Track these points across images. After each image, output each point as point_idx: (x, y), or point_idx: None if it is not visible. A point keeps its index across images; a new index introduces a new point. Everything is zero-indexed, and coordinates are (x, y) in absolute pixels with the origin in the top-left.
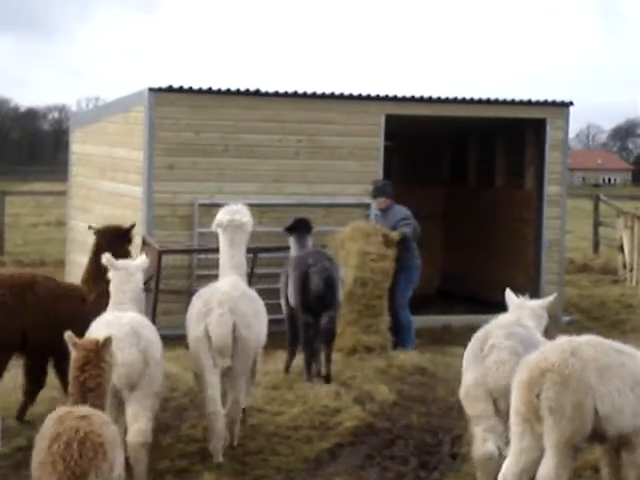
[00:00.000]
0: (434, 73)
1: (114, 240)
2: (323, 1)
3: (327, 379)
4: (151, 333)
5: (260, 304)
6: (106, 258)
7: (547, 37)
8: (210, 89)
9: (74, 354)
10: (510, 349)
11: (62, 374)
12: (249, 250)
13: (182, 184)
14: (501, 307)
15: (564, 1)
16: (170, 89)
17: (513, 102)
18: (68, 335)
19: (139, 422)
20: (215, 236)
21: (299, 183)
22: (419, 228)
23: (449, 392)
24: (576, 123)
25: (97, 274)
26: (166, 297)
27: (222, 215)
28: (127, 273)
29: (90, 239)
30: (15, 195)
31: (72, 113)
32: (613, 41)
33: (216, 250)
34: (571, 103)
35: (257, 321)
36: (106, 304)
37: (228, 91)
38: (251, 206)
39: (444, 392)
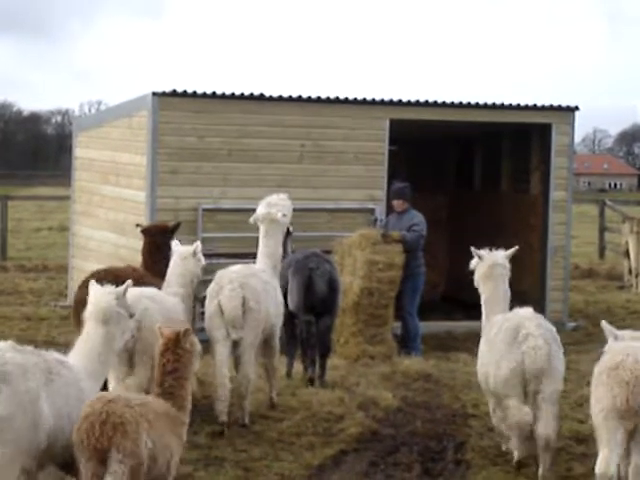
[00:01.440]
0: (439, 78)
1: (160, 237)
2: (328, 6)
3: (321, 382)
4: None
5: (272, 286)
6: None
7: (553, 41)
8: (214, 93)
9: (159, 342)
10: (543, 336)
11: None
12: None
13: (186, 189)
14: None
15: (570, 5)
16: (174, 93)
17: (518, 107)
18: (157, 326)
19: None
20: (218, 241)
21: (303, 188)
22: (423, 237)
23: (453, 398)
24: (582, 128)
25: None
26: None
27: (260, 208)
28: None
29: (92, 244)
30: (18, 200)
31: (75, 117)
32: (619, 45)
33: (220, 255)
34: (577, 108)
35: (267, 297)
36: None
37: (232, 95)
38: (254, 211)
39: (448, 398)
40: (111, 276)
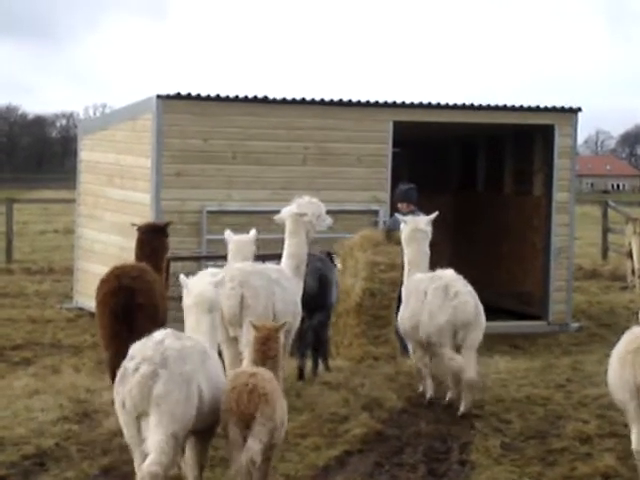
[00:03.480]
0: (442, 79)
1: (153, 234)
2: (331, 8)
3: (314, 373)
4: None
5: (283, 285)
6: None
7: (555, 43)
8: (218, 96)
9: (256, 333)
10: (470, 294)
11: None
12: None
13: (190, 191)
14: (509, 314)
15: (572, 6)
16: (178, 96)
17: (521, 108)
18: (249, 320)
19: None
20: (223, 244)
21: (307, 190)
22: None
23: (458, 399)
24: (584, 129)
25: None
26: (175, 304)
27: (287, 208)
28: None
29: (97, 247)
30: (23, 203)
31: (80, 120)
32: (622, 46)
33: (224, 257)
34: (579, 109)
35: (271, 296)
36: None
37: (236, 98)
38: (259, 213)
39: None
40: (136, 270)
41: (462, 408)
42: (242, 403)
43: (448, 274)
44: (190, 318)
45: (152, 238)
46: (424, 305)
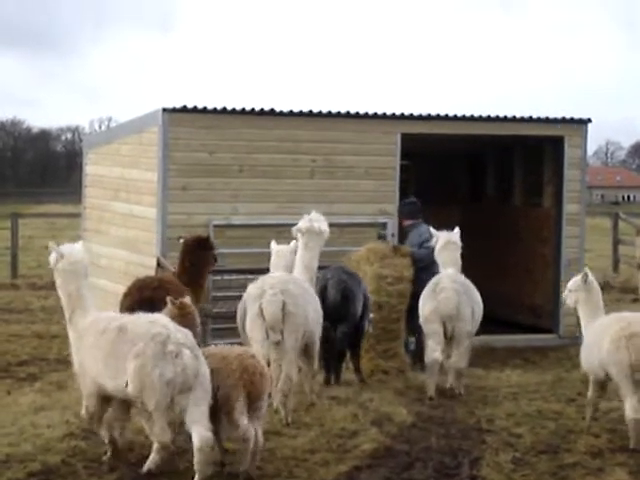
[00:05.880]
0: (450, 91)
1: (196, 247)
2: (338, 21)
3: (336, 381)
4: None
5: (311, 294)
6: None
7: (565, 53)
8: (224, 109)
9: (174, 309)
10: (454, 289)
11: None
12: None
13: (196, 205)
14: (520, 327)
15: (582, 17)
16: (184, 109)
17: (530, 119)
18: (168, 298)
19: None
20: (229, 257)
21: (314, 203)
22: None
23: (468, 413)
24: (594, 140)
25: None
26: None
27: (302, 222)
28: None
29: (103, 261)
30: (29, 217)
31: (85, 134)
32: (632, 57)
33: (231, 271)
34: (589, 120)
35: (306, 304)
36: None
37: (242, 111)
38: (266, 226)
39: (463, 414)
40: (156, 282)
41: (456, 388)
42: (256, 382)
43: (448, 271)
44: (70, 283)
45: (194, 251)
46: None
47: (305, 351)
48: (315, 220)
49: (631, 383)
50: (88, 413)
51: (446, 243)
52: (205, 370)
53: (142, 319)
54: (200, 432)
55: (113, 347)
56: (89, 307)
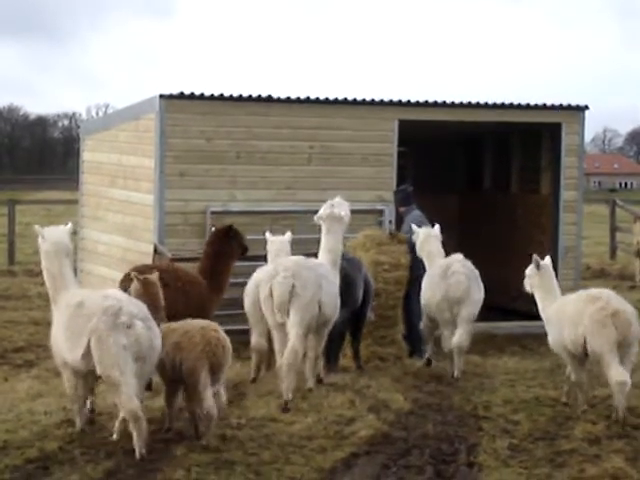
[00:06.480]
0: (448, 77)
1: (222, 237)
2: (336, 7)
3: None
4: None
5: (328, 280)
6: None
7: (562, 40)
8: (221, 95)
9: (138, 285)
10: (464, 274)
11: None
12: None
13: (194, 192)
14: (517, 314)
15: (580, 4)
16: (181, 96)
17: (528, 106)
18: (132, 274)
19: None
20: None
21: (312, 190)
22: None
23: (465, 400)
24: (592, 127)
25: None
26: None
27: (323, 209)
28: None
29: (100, 248)
30: (26, 204)
31: (82, 121)
32: (629, 44)
33: None
34: (587, 107)
35: (318, 288)
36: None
37: (240, 97)
38: (263, 213)
39: (460, 400)
40: (149, 271)
41: (456, 373)
42: (214, 356)
43: (454, 256)
44: (52, 263)
45: (220, 241)
46: (431, 284)
47: (316, 331)
48: (337, 205)
49: (616, 355)
50: (68, 387)
51: (426, 237)
52: (158, 343)
53: (97, 294)
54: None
55: (71, 321)
56: (70, 286)
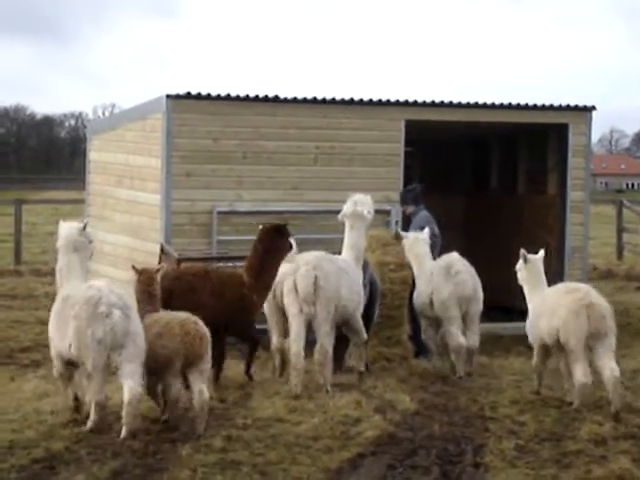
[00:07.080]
0: (455, 78)
1: (270, 235)
2: (343, 8)
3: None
4: None
5: (348, 273)
6: None
7: (569, 41)
8: (228, 95)
9: (139, 276)
10: (469, 272)
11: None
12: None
13: (200, 192)
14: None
15: (586, 4)
16: (188, 96)
17: (535, 107)
18: (132, 265)
19: None
20: (233, 244)
21: (318, 190)
22: (436, 237)
23: (471, 401)
24: (599, 128)
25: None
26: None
27: (346, 207)
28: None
29: (107, 248)
30: (32, 203)
31: (89, 121)
32: (636, 43)
33: (235, 258)
34: (594, 107)
35: (339, 281)
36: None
37: (246, 97)
38: (270, 213)
39: (466, 401)
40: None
41: (460, 373)
42: (192, 347)
43: (453, 255)
44: (61, 257)
45: (267, 239)
46: (429, 285)
47: (348, 327)
48: (359, 203)
49: (584, 350)
50: (56, 374)
51: (415, 240)
52: (137, 329)
53: (82, 286)
54: (130, 386)
55: (60, 312)
56: (74, 281)
